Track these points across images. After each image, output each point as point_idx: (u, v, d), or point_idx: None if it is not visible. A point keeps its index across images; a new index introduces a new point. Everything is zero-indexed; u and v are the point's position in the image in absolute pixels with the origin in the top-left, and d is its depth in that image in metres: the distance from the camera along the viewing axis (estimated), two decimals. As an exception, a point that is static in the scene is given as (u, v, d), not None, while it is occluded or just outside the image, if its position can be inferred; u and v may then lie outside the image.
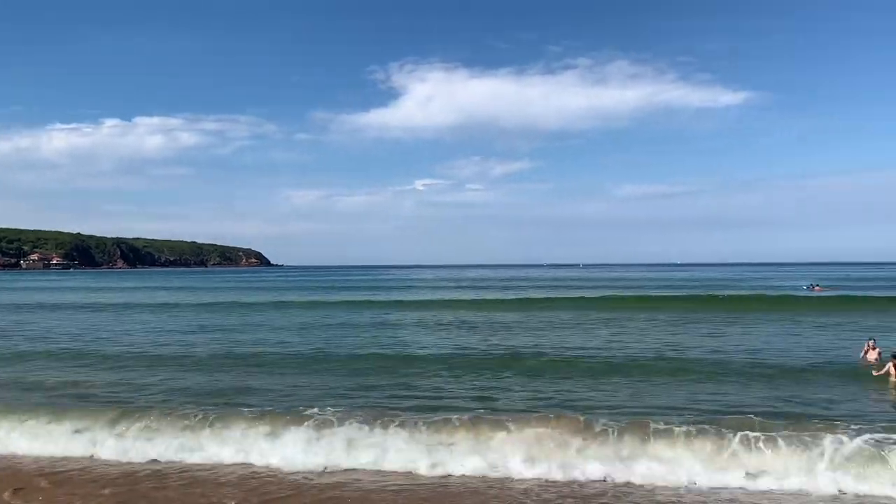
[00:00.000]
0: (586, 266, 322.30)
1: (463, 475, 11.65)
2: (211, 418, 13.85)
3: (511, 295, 62.26)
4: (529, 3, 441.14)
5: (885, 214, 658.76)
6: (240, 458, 12.59)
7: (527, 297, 58.12)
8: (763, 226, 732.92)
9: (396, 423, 13.15)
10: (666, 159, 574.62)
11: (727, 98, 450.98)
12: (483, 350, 25.67)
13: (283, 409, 14.59)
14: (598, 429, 12.56)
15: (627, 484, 11.25)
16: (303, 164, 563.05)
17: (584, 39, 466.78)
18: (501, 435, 12.51)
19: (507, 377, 19.96)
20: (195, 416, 14.05)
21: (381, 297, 61.49)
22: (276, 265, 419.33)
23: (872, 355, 21.53)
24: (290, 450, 12.60)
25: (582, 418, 13.10)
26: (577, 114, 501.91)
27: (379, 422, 13.16)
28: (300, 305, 51.28)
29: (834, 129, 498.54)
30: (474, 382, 19.16)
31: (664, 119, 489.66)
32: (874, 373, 19.48)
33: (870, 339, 22.47)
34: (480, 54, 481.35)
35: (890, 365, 19.21)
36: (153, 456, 12.83)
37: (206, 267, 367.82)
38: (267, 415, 13.98)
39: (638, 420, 13.05)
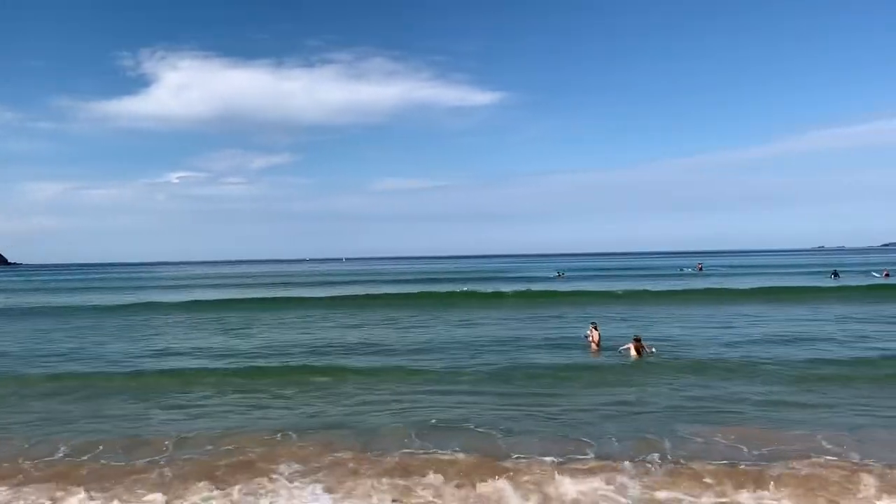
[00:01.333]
0: (349, 260, 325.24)
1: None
2: None
3: (270, 293, 61.12)
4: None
5: (620, 208, 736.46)
6: None
7: (287, 295, 57.37)
8: (514, 218, 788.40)
9: None
10: (423, 155, 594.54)
11: (480, 97, 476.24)
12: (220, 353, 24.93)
13: None
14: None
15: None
16: (44, 155, 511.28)
17: (343, 34, 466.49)
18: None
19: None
20: None
21: (131, 297, 57.23)
22: (14, 264, 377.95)
23: (595, 337, 24.01)
24: None
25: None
26: (336, 108, 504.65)
27: None
28: (31, 311, 46.29)
29: (578, 128, 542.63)
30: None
31: (421, 116, 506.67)
32: (621, 350, 22.19)
33: (592, 323, 25.07)
34: (237, 44, 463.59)
35: (631, 345, 21.91)
36: None
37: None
38: None
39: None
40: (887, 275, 68.29)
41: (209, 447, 12.65)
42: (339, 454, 12.05)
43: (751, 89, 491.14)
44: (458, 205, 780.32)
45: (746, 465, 11.18)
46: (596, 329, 24.24)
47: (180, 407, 16.28)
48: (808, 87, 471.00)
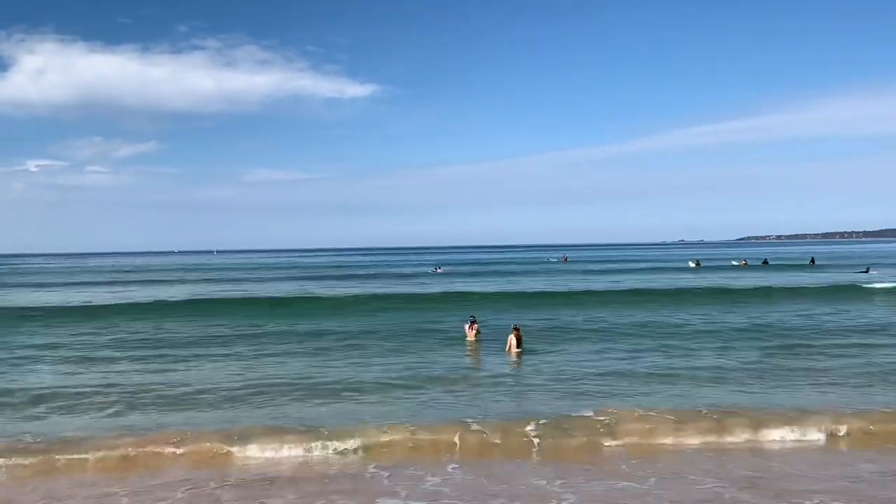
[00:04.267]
0: (220, 252, 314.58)
1: None
2: None
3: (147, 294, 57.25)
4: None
5: (504, 200, 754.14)
6: None
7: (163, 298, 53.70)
8: (389, 211, 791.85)
9: None
10: (298, 147, 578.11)
11: (354, 89, 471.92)
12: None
13: None
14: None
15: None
16: None
17: (212, 21, 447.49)
18: None
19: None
20: None
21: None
22: None
23: (472, 333, 23.44)
24: None
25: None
26: (206, 96, 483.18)
27: None
28: None
29: (453, 122, 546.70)
30: None
31: (294, 106, 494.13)
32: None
33: (471, 317, 24.48)
34: (100, 28, 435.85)
35: (511, 336, 21.13)
36: None
37: None
38: None
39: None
40: (745, 264, 75.87)
41: None
42: None
43: (619, 88, 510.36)
44: (335, 197, 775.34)
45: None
46: (473, 325, 23.73)
47: None
48: (670, 86, 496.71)
